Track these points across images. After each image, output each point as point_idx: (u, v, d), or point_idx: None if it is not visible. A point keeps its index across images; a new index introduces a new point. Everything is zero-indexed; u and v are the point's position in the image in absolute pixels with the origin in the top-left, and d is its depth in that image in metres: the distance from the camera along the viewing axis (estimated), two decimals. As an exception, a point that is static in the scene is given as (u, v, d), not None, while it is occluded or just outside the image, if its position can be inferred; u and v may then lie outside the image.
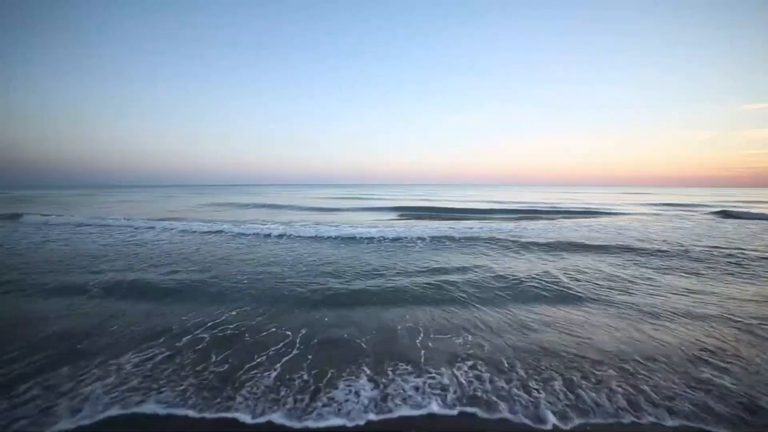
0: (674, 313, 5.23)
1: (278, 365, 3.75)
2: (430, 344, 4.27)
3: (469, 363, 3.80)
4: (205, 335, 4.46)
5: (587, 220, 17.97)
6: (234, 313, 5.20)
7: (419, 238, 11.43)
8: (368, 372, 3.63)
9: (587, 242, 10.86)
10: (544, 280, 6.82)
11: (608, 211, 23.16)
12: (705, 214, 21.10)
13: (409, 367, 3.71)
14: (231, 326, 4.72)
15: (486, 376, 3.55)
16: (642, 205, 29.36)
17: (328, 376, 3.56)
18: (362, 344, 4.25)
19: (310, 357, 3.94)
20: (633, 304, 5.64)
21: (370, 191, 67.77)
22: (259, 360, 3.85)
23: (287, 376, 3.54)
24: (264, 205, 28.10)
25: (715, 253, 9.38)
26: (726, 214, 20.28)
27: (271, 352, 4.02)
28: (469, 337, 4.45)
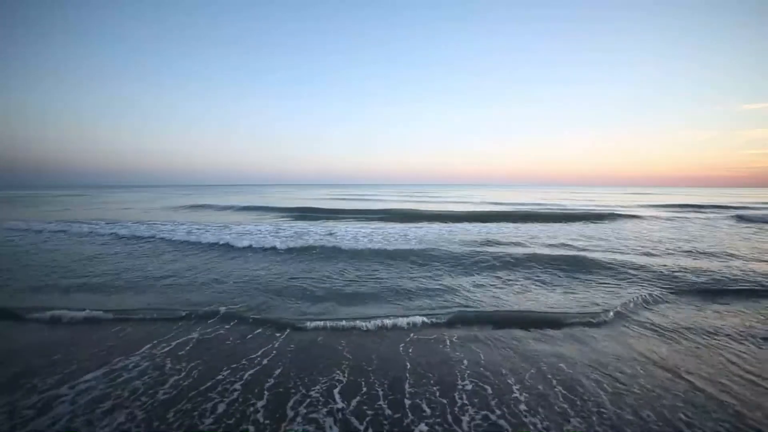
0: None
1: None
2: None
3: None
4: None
5: (592, 224, 16.67)
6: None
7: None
8: None
9: (590, 255, 9.43)
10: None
11: (612, 212, 21.52)
12: (723, 218, 19.61)
13: None
14: None
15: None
16: (653, 206, 27.90)
17: None
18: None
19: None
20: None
21: (358, 191, 67.08)
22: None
23: None
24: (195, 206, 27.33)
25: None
26: (741, 218, 18.92)
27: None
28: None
